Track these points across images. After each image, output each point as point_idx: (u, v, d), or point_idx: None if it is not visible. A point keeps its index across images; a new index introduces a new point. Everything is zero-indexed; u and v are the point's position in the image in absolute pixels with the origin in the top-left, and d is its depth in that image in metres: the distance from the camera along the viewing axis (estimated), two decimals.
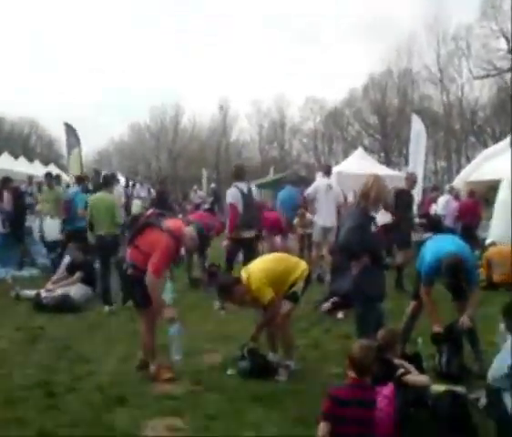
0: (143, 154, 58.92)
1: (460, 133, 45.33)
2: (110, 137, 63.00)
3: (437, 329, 5.38)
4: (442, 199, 14.15)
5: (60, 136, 25.46)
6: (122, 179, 21.61)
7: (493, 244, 10.64)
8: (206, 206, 19.82)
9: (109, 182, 9.27)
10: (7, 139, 49.23)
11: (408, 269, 9.51)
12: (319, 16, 74.04)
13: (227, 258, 8.58)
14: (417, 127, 17.19)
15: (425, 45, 45.62)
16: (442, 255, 5.27)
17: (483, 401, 4.35)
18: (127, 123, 62.69)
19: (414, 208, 12.00)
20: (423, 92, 47.33)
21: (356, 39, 76.11)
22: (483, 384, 4.40)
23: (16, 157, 29.97)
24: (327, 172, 11.24)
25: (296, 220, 11.70)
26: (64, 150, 25.08)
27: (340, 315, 7.73)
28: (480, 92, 44.33)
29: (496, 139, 32.14)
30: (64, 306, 8.20)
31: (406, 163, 20.92)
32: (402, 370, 4.42)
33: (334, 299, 8.05)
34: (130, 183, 21.00)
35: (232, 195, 8.34)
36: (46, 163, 32.09)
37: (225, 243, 8.55)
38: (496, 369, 3.85)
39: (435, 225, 12.31)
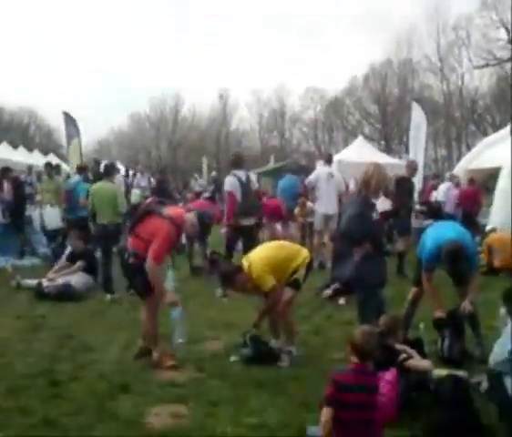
0: (143, 143, 58.78)
1: (460, 121, 45.29)
2: (110, 126, 62.90)
3: (439, 314, 5.40)
4: (442, 187, 14.15)
5: (59, 125, 25.35)
6: (122, 169, 21.58)
7: (493, 230, 10.66)
8: (206, 194, 19.79)
9: (110, 172, 9.24)
10: (6, 129, 49.08)
11: (409, 255, 9.54)
12: (319, 16, 73.94)
13: (227, 246, 8.60)
14: (417, 115, 17.16)
15: (426, 36, 45.72)
16: (442, 242, 5.29)
17: (484, 385, 4.38)
18: (126, 113, 62.47)
19: (415, 195, 11.99)
20: (423, 81, 47.25)
21: (357, 29, 75.97)
22: (484, 369, 4.42)
23: (15, 146, 29.91)
24: (328, 160, 11.25)
25: (297, 209, 11.70)
26: (63, 140, 25.02)
27: (341, 301, 7.76)
28: (480, 81, 44.46)
29: (496, 128, 32.11)
30: (65, 295, 8.22)
31: (407, 151, 20.88)
32: (404, 356, 4.45)
33: (336, 285, 8.07)
34: (131, 172, 20.95)
35: (230, 183, 8.34)
36: (45, 153, 32.05)
37: (223, 231, 8.56)
38: (498, 353, 3.86)
39: (435, 212, 12.32)
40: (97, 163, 15.30)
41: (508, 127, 14.44)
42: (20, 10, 77.59)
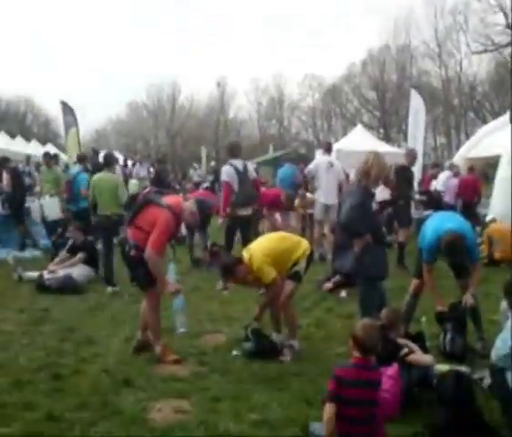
0: (141, 133, 58.61)
1: (459, 109, 45.15)
2: (108, 115, 62.69)
3: (441, 307, 5.41)
4: (442, 176, 14.11)
5: (57, 115, 25.27)
6: (120, 158, 21.54)
7: (493, 221, 10.65)
8: (206, 184, 19.79)
9: (110, 162, 9.18)
10: (2, 118, 48.90)
11: (409, 246, 9.55)
12: (320, 16, 73.57)
13: (226, 237, 8.59)
14: (416, 102, 17.07)
15: (423, 20, 45.38)
16: (442, 233, 5.27)
17: (487, 381, 4.38)
18: (124, 102, 62.26)
19: (415, 184, 11.96)
20: (421, 67, 47.05)
21: (354, 14, 75.63)
22: (487, 363, 4.42)
23: (13, 136, 29.82)
24: (328, 149, 11.16)
25: (297, 201, 11.67)
26: (61, 130, 24.93)
27: (343, 294, 7.76)
28: (478, 67, 44.18)
29: (495, 115, 31.96)
30: (66, 287, 8.20)
31: (405, 139, 20.82)
32: (405, 350, 4.46)
33: (336, 278, 8.07)
34: (130, 162, 20.91)
35: (227, 173, 8.31)
36: (43, 142, 31.96)
37: (220, 221, 8.55)
38: (500, 348, 3.85)
39: (435, 202, 12.30)
40: (96, 153, 15.28)
41: (508, 115, 14.38)
42: (20, 10, 77.56)
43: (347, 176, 12.10)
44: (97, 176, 8.96)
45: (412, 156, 10.27)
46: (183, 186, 21.33)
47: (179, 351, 5.43)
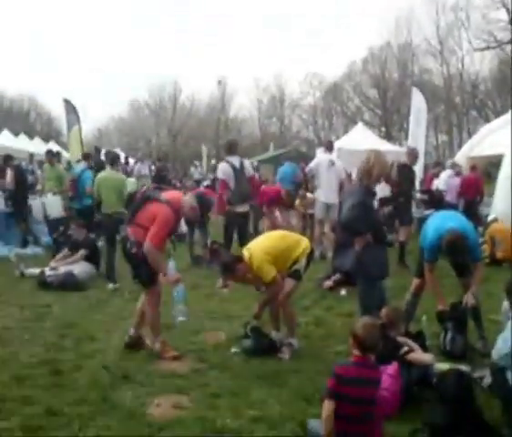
0: (143, 131, 58.64)
1: (461, 107, 44.97)
2: (110, 114, 62.74)
3: (442, 307, 5.40)
4: (444, 175, 14.08)
5: (60, 113, 25.30)
6: (122, 156, 21.55)
7: (495, 220, 10.63)
8: (206, 182, 19.81)
9: (115, 161, 9.20)
10: (6, 116, 48.93)
11: (410, 245, 9.54)
12: (320, 16, 73.55)
13: (224, 234, 8.59)
14: (418, 100, 17.03)
15: (425, 17, 45.16)
16: (443, 232, 5.26)
17: (487, 380, 4.37)
18: (125, 101, 62.44)
19: (417, 183, 11.94)
20: (423, 65, 46.83)
21: (354, 14, 75.62)
22: (487, 362, 4.42)
23: (17, 134, 29.85)
24: (329, 148, 11.15)
25: (298, 201, 11.65)
26: (64, 128, 24.93)
27: (343, 292, 7.76)
28: (481, 65, 43.87)
29: (498, 114, 31.84)
30: (67, 284, 8.22)
31: (407, 137, 20.76)
32: (405, 349, 4.45)
33: (337, 276, 8.08)
34: (132, 160, 20.93)
35: (224, 170, 8.32)
36: (46, 140, 31.97)
37: (213, 216, 8.56)
38: (500, 347, 3.84)
39: (436, 201, 12.28)
40: (98, 151, 15.28)
41: (510, 113, 14.32)
42: (20, 10, 77.60)
43: (349, 175, 12.06)
44: (103, 174, 8.99)
45: (413, 155, 10.25)
46: (184, 183, 21.33)
47: (179, 348, 5.44)
